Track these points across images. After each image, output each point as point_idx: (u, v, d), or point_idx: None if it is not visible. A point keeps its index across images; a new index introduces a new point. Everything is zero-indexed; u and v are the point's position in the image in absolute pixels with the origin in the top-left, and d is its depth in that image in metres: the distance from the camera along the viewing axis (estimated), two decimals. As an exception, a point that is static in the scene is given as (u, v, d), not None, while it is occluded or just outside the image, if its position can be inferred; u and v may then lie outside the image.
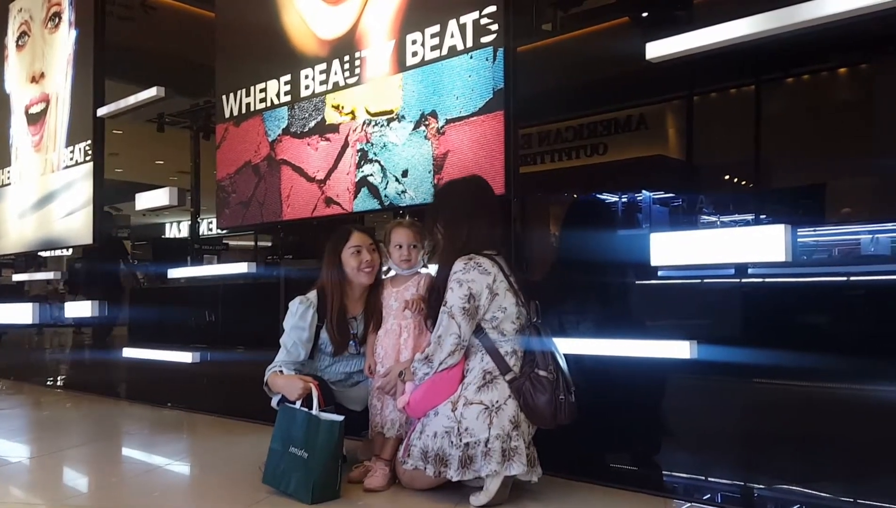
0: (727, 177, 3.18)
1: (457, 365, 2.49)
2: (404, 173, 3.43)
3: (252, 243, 5.90)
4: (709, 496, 2.52)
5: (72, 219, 5.80)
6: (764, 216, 2.85)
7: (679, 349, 2.46)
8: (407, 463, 2.56)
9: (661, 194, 3.21)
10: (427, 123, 3.34)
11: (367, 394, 2.90)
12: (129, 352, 5.13)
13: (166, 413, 4.67)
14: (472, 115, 3.15)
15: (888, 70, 2.68)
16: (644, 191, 3.18)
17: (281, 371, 2.74)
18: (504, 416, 2.40)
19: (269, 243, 5.50)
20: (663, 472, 2.66)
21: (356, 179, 3.65)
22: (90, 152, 5.60)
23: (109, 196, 5.66)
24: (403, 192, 3.42)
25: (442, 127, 3.27)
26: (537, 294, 2.59)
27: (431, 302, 2.63)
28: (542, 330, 2.52)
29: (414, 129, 3.39)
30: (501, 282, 2.49)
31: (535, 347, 2.47)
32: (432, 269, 2.84)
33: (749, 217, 2.93)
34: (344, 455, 2.57)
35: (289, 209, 4.02)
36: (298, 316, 2.86)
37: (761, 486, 2.44)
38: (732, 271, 2.71)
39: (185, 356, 4.63)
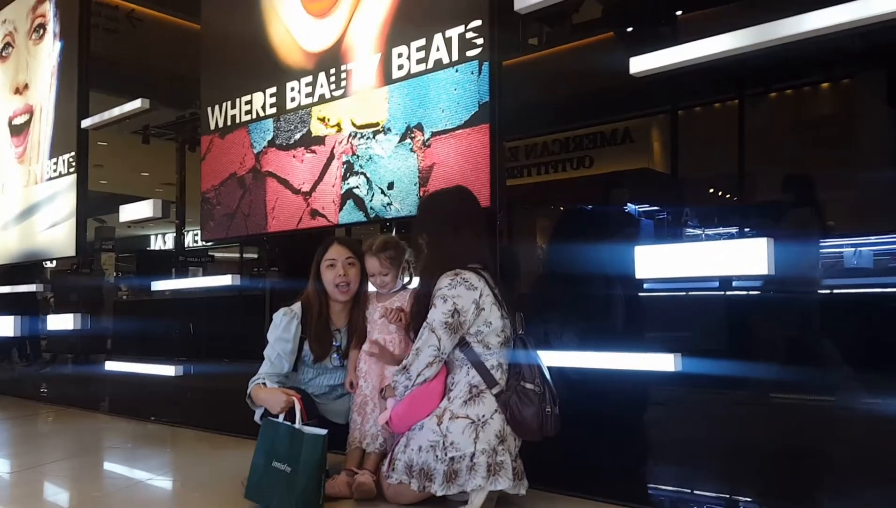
0: (711, 190, 3.21)
1: (436, 379, 2.48)
2: (390, 186, 3.42)
3: (238, 256, 5.87)
4: (694, 509, 2.52)
5: (55, 231, 5.75)
6: (748, 230, 2.87)
7: (663, 363, 2.46)
8: (391, 477, 2.54)
9: (646, 208, 3.22)
10: (413, 135, 3.34)
11: (347, 408, 2.88)
12: (112, 365, 5.09)
13: (150, 428, 4.62)
14: (458, 128, 3.15)
15: (869, 85, 2.71)
16: (629, 204, 3.19)
17: (264, 384, 2.71)
18: (490, 430, 2.39)
19: (255, 256, 5.48)
20: (649, 485, 2.66)
21: (342, 192, 3.64)
22: (73, 164, 5.56)
23: (94, 208, 5.62)
24: (389, 204, 3.42)
25: (427, 140, 3.27)
26: (522, 306, 2.58)
27: (415, 314, 2.62)
28: (528, 342, 2.52)
29: (400, 141, 3.39)
30: (487, 296, 2.48)
31: (521, 359, 2.46)
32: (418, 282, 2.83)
33: (733, 230, 2.96)
34: (327, 469, 2.55)
35: (274, 221, 4.00)
36: (282, 328, 2.84)
37: (748, 499, 2.44)
38: (717, 284, 2.73)
39: (167, 370, 4.59)
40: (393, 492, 2.56)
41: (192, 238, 5.68)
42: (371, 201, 3.50)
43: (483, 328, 2.47)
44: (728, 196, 3.14)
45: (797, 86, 2.92)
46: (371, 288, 2.97)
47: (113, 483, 3.27)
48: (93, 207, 5.62)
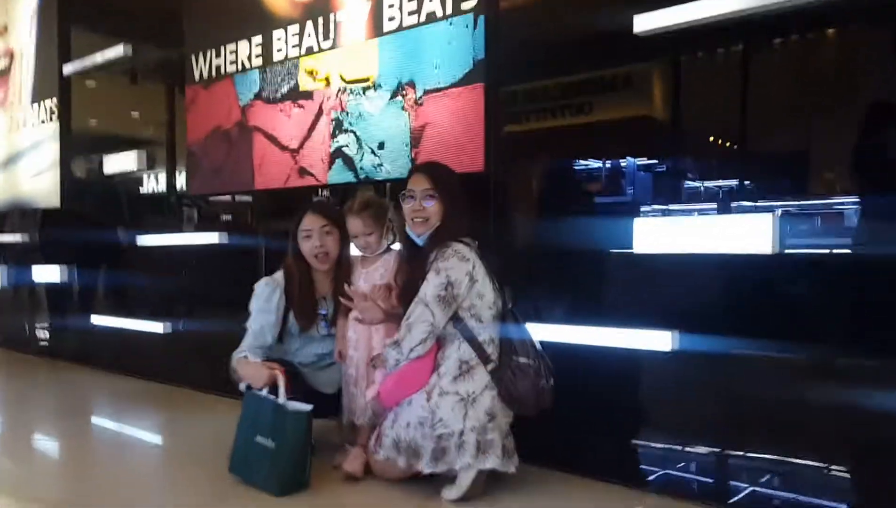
0: (712, 139, 3.02)
1: (428, 355, 2.40)
2: (381, 146, 3.28)
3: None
4: (687, 489, 2.46)
5: (40, 179, 5.61)
6: (748, 182, 2.72)
7: (658, 340, 2.37)
8: (379, 453, 2.48)
9: (645, 161, 3.06)
10: (404, 92, 3.18)
11: (339, 376, 2.80)
12: (99, 320, 5.01)
13: (139, 385, 4.56)
14: (452, 86, 2.99)
15: (877, 34, 2.53)
16: (629, 156, 3.02)
17: (247, 357, 2.62)
18: (480, 407, 2.32)
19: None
20: (641, 464, 2.59)
21: (331, 150, 3.50)
22: (56, 111, 5.38)
23: (83, 148, 5.45)
24: (380, 165, 3.28)
25: (420, 98, 3.11)
26: (509, 279, 2.49)
27: (407, 279, 2.52)
28: (518, 316, 2.43)
29: (391, 98, 3.23)
30: (480, 267, 2.38)
31: (513, 333, 2.38)
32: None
33: (733, 182, 2.80)
34: (313, 444, 2.48)
35: (261, 179, 3.86)
36: (264, 299, 2.74)
37: (743, 483, 2.38)
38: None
39: (155, 326, 4.51)
40: (380, 468, 2.50)
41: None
42: (361, 160, 3.36)
43: (476, 300, 2.38)
44: (728, 145, 2.95)
45: (804, 34, 2.72)
46: (355, 251, 2.84)
47: (98, 447, 3.21)
48: (82, 147, 5.44)
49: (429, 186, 2.47)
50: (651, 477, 2.54)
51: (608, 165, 2.81)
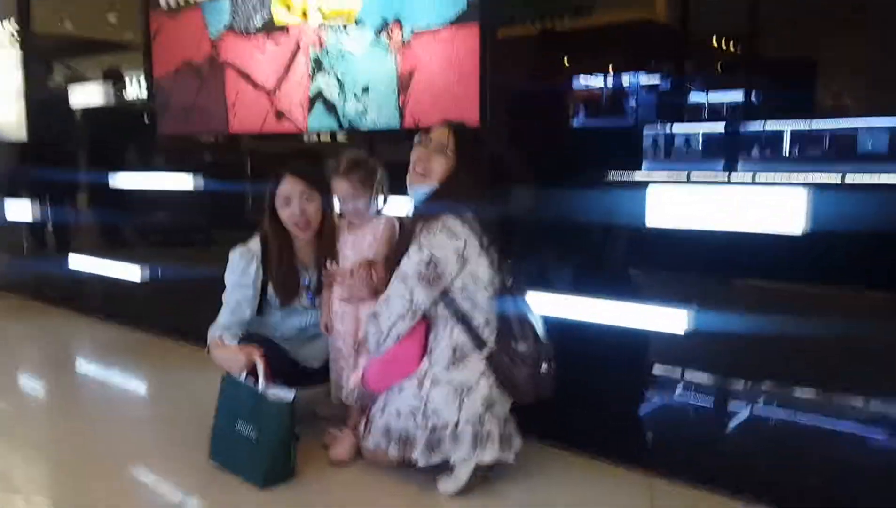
0: (716, 45, 2.69)
1: (414, 337, 2.20)
2: (365, 90, 2.98)
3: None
4: (696, 474, 2.31)
5: (8, 110, 5.25)
6: (754, 92, 2.44)
7: (671, 319, 2.18)
8: (368, 441, 2.32)
9: (647, 80, 2.78)
10: (390, 32, 2.85)
11: (325, 349, 2.61)
12: (75, 261, 4.78)
13: (118, 332, 4.37)
14: (443, 26, 2.67)
15: None
16: (631, 70, 2.69)
17: (222, 338, 2.41)
18: (476, 398, 2.14)
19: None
20: (649, 446, 2.45)
21: (310, 93, 3.19)
22: (15, 35, 4.98)
23: (59, 53, 5.07)
24: (364, 112, 2.99)
25: (407, 38, 2.79)
26: (511, 250, 2.26)
27: (397, 250, 2.29)
28: (518, 294, 2.22)
29: (375, 37, 2.91)
30: (473, 247, 2.15)
31: (512, 316, 2.17)
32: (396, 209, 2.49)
33: (739, 96, 2.53)
34: (297, 433, 2.31)
35: (235, 121, 3.56)
36: (239, 272, 2.50)
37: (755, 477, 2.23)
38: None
39: (131, 273, 4.29)
40: (371, 456, 2.34)
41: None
42: (344, 106, 3.06)
43: (469, 282, 2.16)
44: (733, 52, 2.63)
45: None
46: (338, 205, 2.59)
47: (68, 423, 3.05)
48: (58, 52, 5.08)
49: (447, 142, 2.22)
50: (661, 460, 2.39)
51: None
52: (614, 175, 2.35)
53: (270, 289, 2.56)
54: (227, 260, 2.54)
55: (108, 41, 4.85)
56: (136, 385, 3.47)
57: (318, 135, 3.27)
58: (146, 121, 4.16)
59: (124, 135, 4.54)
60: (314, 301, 2.62)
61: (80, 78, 4.91)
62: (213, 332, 2.46)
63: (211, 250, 4.04)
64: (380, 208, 2.54)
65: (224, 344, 2.38)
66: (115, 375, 3.57)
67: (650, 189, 2.17)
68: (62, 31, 5.24)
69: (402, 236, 2.32)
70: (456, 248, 2.12)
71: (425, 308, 2.17)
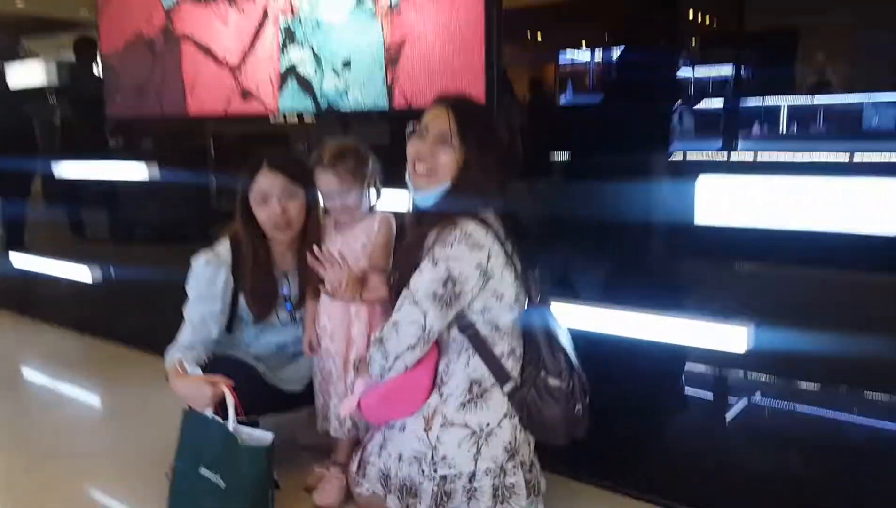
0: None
1: (423, 365, 1.80)
2: (346, 65, 2.56)
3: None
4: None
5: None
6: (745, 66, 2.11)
7: (730, 338, 1.82)
8: (362, 485, 1.93)
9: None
10: (375, -4, 2.44)
11: (307, 370, 2.21)
12: (17, 260, 4.29)
13: (69, 340, 3.92)
14: (439, -12, 2.28)
15: None
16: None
17: (182, 363, 1.99)
18: (497, 443, 1.75)
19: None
20: (683, 482, 2.09)
21: (281, 69, 2.76)
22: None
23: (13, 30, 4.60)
24: (345, 91, 2.57)
25: (396, 2, 2.38)
26: (536, 255, 1.87)
27: (405, 265, 1.88)
28: (548, 314, 1.84)
29: (357, 3, 2.49)
30: (497, 257, 1.75)
31: (541, 340, 1.79)
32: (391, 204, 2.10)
33: (727, 70, 2.19)
34: (276, 480, 1.92)
35: (194, 102, 3.12)
36: (205, 282, 2.09)
37: None
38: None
39: (80, 273, 3.83)
40: (365, 503, 1.95)
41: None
42: (321, 83, 2.64)
43: (492, 301, 1.76)
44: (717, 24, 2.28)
45: None
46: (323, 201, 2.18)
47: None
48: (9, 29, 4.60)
49: (448, 126, 1.77)
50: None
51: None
52: (659, 159, 1.98)
53: (242, 301, 2.15)
54: (188, 259, 2.12)
55: (62, 19, 4.41)
56: (88, 405, 3.04)
57: (286, 118, 2.84)
58: (94, 104, 3.70)
59: (71, 119, 4.07)
60: (294, 315, 2.22)
61: (23, 56, 4.44)
62: (172, 354, 2.05)
63: (170, 247, 3.61)
64: (372, 203, 2.15)
65: (185, 372, 1.96)
66: (64, 390, 3.14)
67: (702, 180, 1.80)
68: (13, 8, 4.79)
69: (405, 242, 1.92)
70: (478, 261, 1.71)
71: (440, 333, 1.77)
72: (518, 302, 1.80)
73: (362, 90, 2.52)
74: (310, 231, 2.15)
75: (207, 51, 3.01)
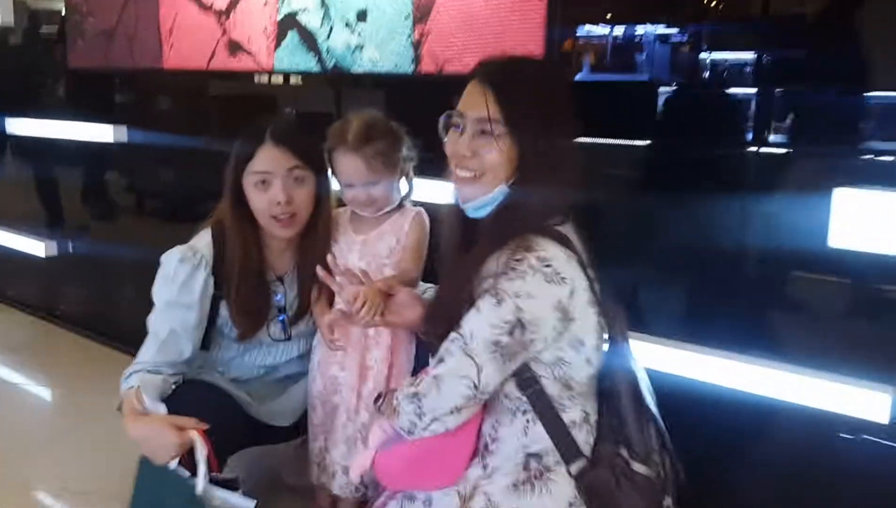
0: None
1: (465, 427, 1.33)
2: (361, 16, 2.07)
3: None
4: None
5: None
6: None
7: (867, 404, 1.39)
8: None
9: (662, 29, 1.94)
10: (403, -73, 1.95)
11: (301, 401, 1.75)
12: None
13: (19, 320, 3.43)
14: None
15: None
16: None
17: (139, 391, 1.51)
18: (555, 539, 1.30)
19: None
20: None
21: (278, 17, 2.26)
22: None
23: None
24: (359, 47, 2.08)
25: (430, -62, 1.90)
26: (618, 283, 1.40)
27: (447, 292, 1.40)
28: (633, 363, 1.38)
29: (378, -63, 2.00)
30: (582, 292, 1.27)
31: (625, 407, 1.32)
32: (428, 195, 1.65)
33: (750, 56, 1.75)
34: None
35: (173, 53, 2.61)
36: (179, 285, 1.61)
37: None
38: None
39: (35, 247, 3.32)
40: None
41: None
42: (328, 38, 2.15)
43: (569, 351, 1.28)
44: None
45: None
46: (336, 186, 1.71)
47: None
48: None
49: (493, 111, 1.27)
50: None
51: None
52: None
53: (224, 312, 1.68)
54: (161, 237, 1.65)
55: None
56: (37, 398, 2.59)
57: (288, 77, 2.35)
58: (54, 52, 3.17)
59: (27, 70, 3.52)
60: (289, 329, 1.75)
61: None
62: (129, 380, 1.57)
63: (142, 220, 3.12)
64: (403, 195, 1.69)
65: (143, 406, 1.48)
66: (11, 379, 2.69)
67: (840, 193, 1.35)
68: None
69: (450, 266, 1.44)
70: (558, 299, 1.23)
71: (492, 391, 1.31)
72: (598, 350, 1.34)
73: (380, 48, 2.03)
74: (319, 227, 1.68)
75: (189, -8, 2.50)
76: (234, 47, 2.39)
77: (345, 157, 1.59)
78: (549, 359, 1.27)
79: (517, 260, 1.22)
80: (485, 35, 1.81)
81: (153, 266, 1.66)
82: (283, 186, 1.58)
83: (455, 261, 1.42)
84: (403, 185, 1.70)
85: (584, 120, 1.29)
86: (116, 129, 2.86)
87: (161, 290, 1.63)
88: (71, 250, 3.29)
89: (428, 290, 1.67)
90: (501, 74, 1.31)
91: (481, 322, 1.23)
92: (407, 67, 1.99)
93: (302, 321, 1.75)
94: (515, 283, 1.21)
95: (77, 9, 2.94)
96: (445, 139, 1.35)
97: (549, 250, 1.23)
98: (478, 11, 1.82)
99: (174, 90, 2.78)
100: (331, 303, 1.68)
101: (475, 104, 1.29)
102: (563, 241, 1.27)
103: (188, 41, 2.52)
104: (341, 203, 1.73)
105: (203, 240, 1.66)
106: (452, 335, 1.26)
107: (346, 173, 1.61)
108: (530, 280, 1.20)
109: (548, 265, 1.21)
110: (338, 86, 2.22)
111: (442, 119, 1.35)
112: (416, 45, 1.96)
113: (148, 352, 1.61)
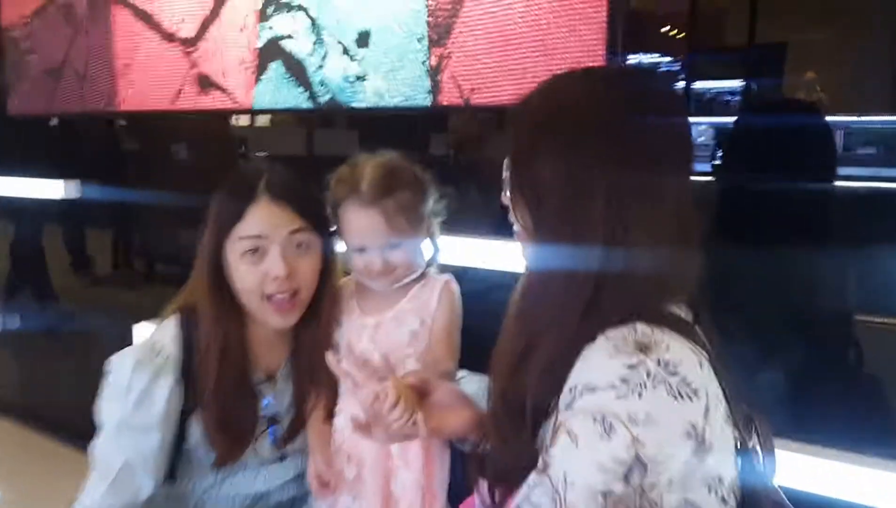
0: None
1: None
2: (362, 40, 1.68)
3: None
4: None
5: None
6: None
7: None
8: None
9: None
10: (413, -70, 1.58)
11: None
12: None
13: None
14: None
15: None
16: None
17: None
18: None
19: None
20: None
21: (258, 45, 1.87)
22: None
23: None
24: (361, 78, 1.69)
25: (448, -60, 1.52)
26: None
27: (509, 401, 0.96)
28: (779, 496, 0.96)
29: (382, -57, 1.63)
30: (718, 411, 0.85)
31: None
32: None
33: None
34: None
35: (131, 91, 2.20)
36: (135, 400, 1.18)
37: None
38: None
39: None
40: None
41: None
42: (321, 66, 1.76)
43: (699, 491, 0.84)
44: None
45: None
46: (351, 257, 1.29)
47: None
48: None
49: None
50: None
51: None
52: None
53: (197, 430, 1.25)
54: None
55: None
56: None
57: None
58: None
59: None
60: (283, 446, 1.32)
61: None
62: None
63: (96, 289, 2.68)
64: (428, 261, 1.28)
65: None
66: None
67: None
68: None
69: (509, 364, 1.01)
70: (690, 422, 0.79)
71: None
72: (732, 488, 0.92)
73: (388, 77, 1.64)
74: (321, 307, 1.27)
75: (149, 18, 2.10)
76: (205, 83, 1.99)
77: (358, 212, 1.18)
78: (672, 504, 0.84)
79: (631, 367, 0.80)
80: (522, 52, 1.43)
81: (104, 347, 1.24)
82: (283, 254, 1.17)
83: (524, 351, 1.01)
84: (426, 247, 1.30)
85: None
86: (67, 185, 2.44)
87: (110, 408, 1.19)
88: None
89: (463, 379, 1.27)
90: (534, 102, 0.91)
91: (582, 462, 0.81)
92: (422, 99, 1.60)
93: (299, 433, 1.32)
94: (629, 402, 0.79)
95: (16, 44, 2.52)
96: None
97: (674, 348, 0.82)
98: (513, 25, 1.44)
99: (132, 136, 2.37)
100: (329, 415, 1.27)
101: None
102: (686, 331, 0.87)
103: (149, 76, 2.12)
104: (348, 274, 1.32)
105: (167, 333, 1.23)
106: (534, 478, 0.84)
107: (359, 234, 1.19)
108: (650, 397, 0.78)
109: (674, 373, 0.80)
110: (334, 125, 1.83)
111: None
112: (434, 72, 1.57)
113: (94, 493, 1.17)
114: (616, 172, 0.85)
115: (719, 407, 0.84)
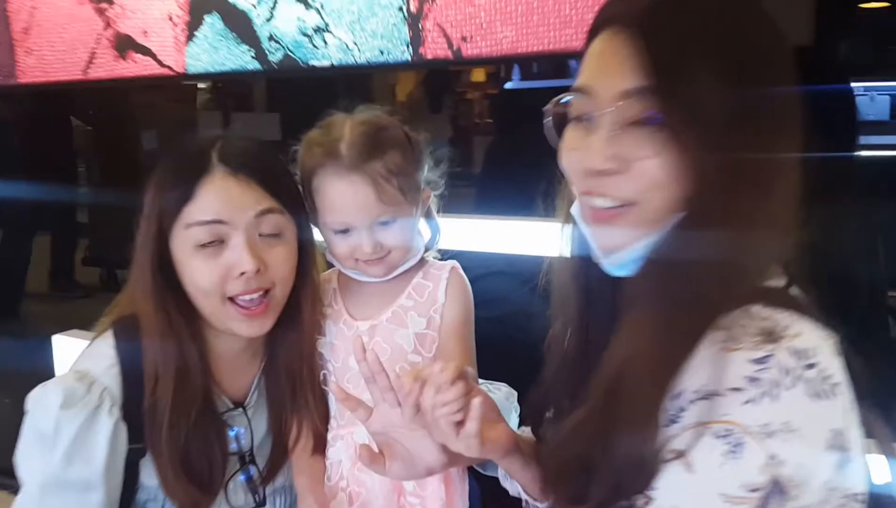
0: None
1: None
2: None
3: None
4: None
5: None
6: None
7: None
8: None
9: None
10: None
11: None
12: None
13: None
14: None
15: None
16: None
17: None
18: None
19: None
20: None
21: (190, -5, 1.57)
22: None
23: None
24: (321, 30, 1.41)
25: None
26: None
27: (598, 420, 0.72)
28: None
29: None
30: (853, 402, 0.65)
31: None
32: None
33: None
34: None
35: (31, 59, 1.85)
36: (65, 451, 0.89)
37: None
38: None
39: None
40: None
41: None
42: (271, 17, 1.47)
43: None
44: None
45: None
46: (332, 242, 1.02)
47: None
48: None
49: (640, 79, 0.62)
50: None
51: None
52: None
53: (151, 478, 0.96)
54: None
55: None
56: None
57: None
58: None
59: None
60: (259, 490, 1.05)
61: None
62: None
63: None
64: (427, 243, 1.04)
65: None
66: None
67: None
68: None
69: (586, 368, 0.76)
70: (832, 429, 0.60)
71: None
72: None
73: (355, 27, 1.37)
74: (299, 309, 1.00)
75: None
76: (124, 45, 1.66)
77: (338, 182, 0.92)
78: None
79: (758, 362, 0.59)
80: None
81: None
82: (249, 243, 0.90)
83: (583, 357, 0.77)
84: (424, 227, 1.05)
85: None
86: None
87: (31, 462, 0.90)
88: None
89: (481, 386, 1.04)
90: (660, 12, 0.67)
91: (701, 494, 0.60)
92: (399, 54, 1.33)
93: (280, 471, 1.06)
94: (762, 408, 0.58)
95: None
96: (560, 143, 0.70)
97: (805, 332, 0.61)
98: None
99: (34, 112, 2.02)
100: (320, 445, 1.02)
101: (611, 68, 0.65)
102: (809, 311, 0.65)
103: (53, 38, 1.77)
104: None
105: (101, 358, 0.95)
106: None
107: (341, 209, 0.93)
108: (788, 399, 0.58)
109: (810, 365, 0.59)
110: (289, 88, 1.54)
111: (549, 107, 0.71)
112: (414, 19, 1.31)
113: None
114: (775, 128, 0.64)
115: (853, 404, 0.64)
